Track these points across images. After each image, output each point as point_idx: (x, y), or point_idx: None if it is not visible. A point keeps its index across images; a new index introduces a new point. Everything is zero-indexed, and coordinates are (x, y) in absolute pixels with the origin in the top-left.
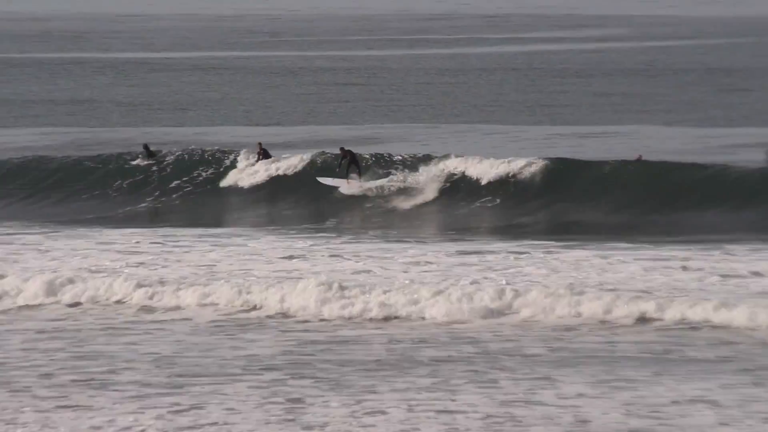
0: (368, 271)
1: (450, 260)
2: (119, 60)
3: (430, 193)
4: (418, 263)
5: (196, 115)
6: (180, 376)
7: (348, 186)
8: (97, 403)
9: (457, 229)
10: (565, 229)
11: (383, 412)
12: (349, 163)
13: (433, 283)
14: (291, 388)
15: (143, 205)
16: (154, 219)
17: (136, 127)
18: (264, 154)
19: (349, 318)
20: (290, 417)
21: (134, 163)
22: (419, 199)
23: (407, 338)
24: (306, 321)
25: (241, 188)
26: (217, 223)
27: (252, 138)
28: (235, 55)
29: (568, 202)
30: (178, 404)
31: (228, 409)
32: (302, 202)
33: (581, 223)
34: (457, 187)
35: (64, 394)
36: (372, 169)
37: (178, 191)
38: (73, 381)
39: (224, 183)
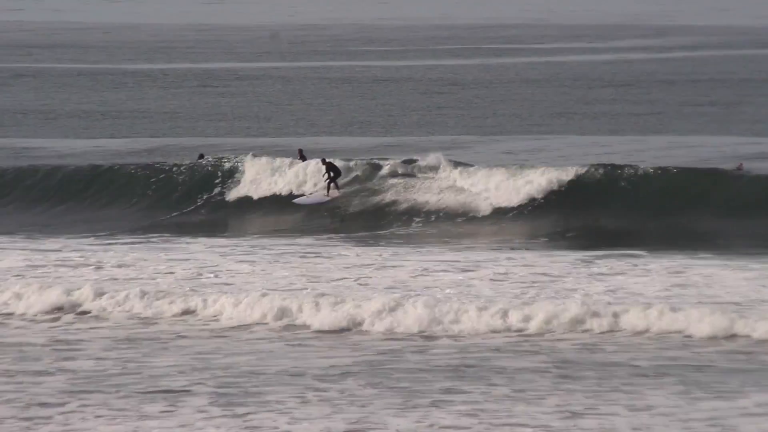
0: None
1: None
2: (205, 69)
3: (493, 202)
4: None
5: (280, 124)
6: (254, 386)
7: (327, 196)
8: (168, 413)
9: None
10: (653, 238)
11: (446, 424)
12: (334, 177)
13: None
14: (362, 398)
15: (191, 214)
16: (209, 229)
17: (221, 137)
18: (303, 159)
19: (420, 330)
20: (357, 427)
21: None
22: (497, 206)
23: (484, 348)
24: (380, 331)
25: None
26: (296, 232)
27: (336, 146)
28: (320, 65)
29: (660, 211)
30: (247, 414)
31: (293, 418)
32: (368, 209)
33: (669, 232)
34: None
35: (134, 405)
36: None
37: (220, 200)
38: (145, 391)
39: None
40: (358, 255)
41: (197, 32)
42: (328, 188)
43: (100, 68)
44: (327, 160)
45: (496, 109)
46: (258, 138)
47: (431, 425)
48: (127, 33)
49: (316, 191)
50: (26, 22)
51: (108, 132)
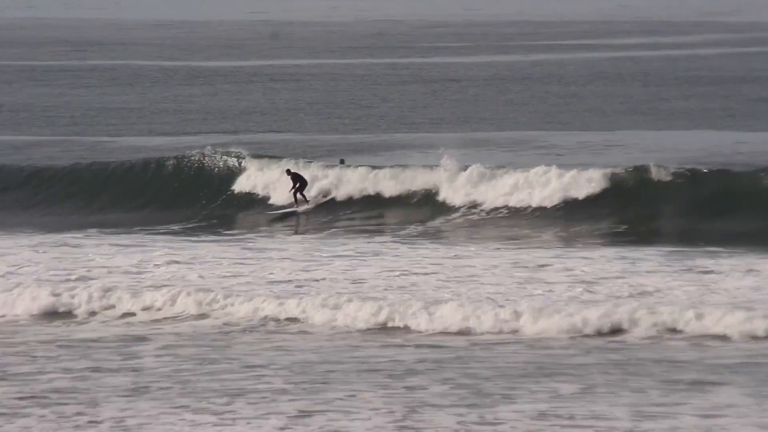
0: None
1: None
2: (276, 66)
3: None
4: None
5: (353, 120)
6: (319, 382)
7: (297, 206)
8: (230, 412)
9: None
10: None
11: (502, 422)
12: (300, 187)
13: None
14: (425, 396)
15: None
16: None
17: (294, 133)
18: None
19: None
20: (406, 424)
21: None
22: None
23: (552, 346)
24: (450, 331)
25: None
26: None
27: (406, 142)
28: (392, 62)
29: (727, 210)
30: (310, 412)
31: (347, 413)
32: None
33: (741, 231)
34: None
35: (196, 402)
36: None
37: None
38: (208, 389)
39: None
40: (436, 250)
41: (268, 28)
42: (295, 198)
43: (174, 65)
44: (292, 171)
45: (569, 105)
46: (327, 135)
47: (495, 424)
48: (201, 30)
49: (287, 204)
50: (102, 20)
51: (181, 128)
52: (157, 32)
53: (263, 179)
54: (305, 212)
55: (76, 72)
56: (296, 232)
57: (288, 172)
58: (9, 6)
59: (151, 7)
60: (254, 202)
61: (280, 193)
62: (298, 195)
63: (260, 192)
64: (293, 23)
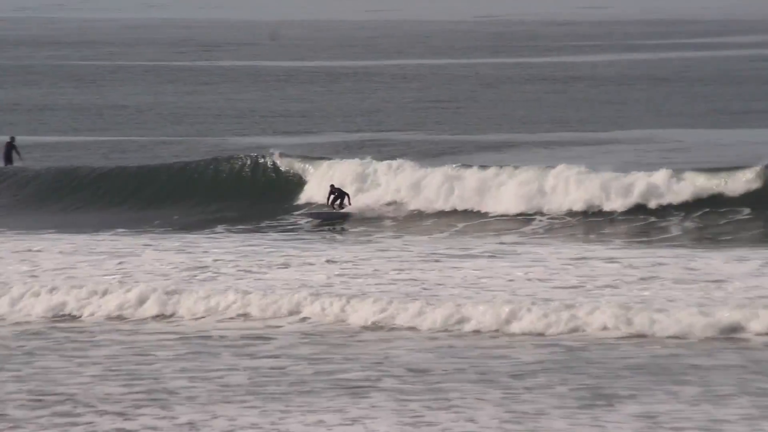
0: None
1: None
2: (398, 65)
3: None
4: None
5: (474, 120)
6: (437, 382)
7: (334, 209)
8: (343, 412)
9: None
10: None
11: (617, 424)
12: (337, 198)
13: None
14: (539, 395)
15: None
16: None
17: (417, 132)
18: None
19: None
20: (522, 426)
21: None
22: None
23: (673, 345)
24: (568, 330)
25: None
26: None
27: (524, 141)
28: (515, 61)
29: None
30: (420, 411)
31: (463, 414)
32: None
33: None
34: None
35: (316, 400)
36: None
37: None
38: (327, 387)
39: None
40: (558, 249)
41: (390, 28)
42: (332, 206)
43: (297, 66)
44: (336, 186)
45: (694, 103)
46: (450, 135)
47: (611, 426)
48: (324, 29)
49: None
50: (227, 21)
51: (304, 127)
52: (281, 32)
53: (384, 180)
54: (342, 221)
55: (202, 72)
56: (419, 232)
57: (331, 187)
58: (133, 6)
59: (275, 8)
60: (379, 202)
61: (372, 195)
62: (336, 206)
63: (384, 194)
64: (418, 22)
